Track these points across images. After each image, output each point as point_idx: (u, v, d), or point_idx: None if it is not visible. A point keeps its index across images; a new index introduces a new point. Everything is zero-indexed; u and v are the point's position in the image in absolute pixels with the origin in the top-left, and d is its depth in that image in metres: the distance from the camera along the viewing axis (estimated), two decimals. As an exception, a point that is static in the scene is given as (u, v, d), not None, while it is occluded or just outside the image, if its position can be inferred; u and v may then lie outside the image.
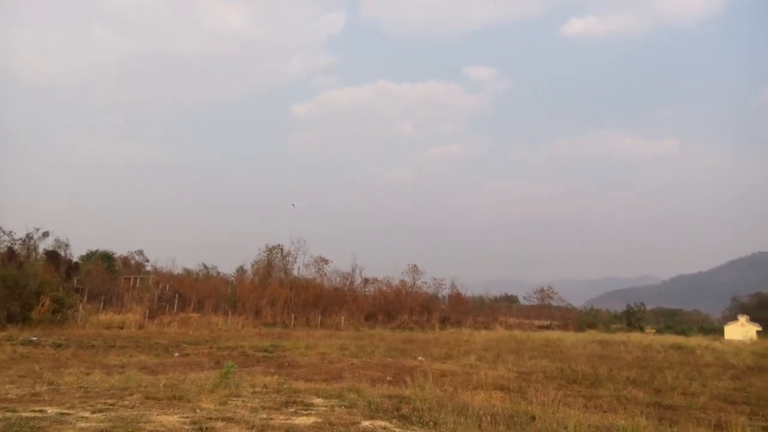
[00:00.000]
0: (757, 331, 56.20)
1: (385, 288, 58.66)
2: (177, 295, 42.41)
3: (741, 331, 55.52)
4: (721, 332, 57.91)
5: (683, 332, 59.44)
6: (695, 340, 39.63)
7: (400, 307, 54.57)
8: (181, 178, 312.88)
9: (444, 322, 54.88)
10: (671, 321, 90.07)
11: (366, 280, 58.87)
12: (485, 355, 22.85)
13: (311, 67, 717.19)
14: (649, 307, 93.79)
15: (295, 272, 55.99)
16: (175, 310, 40.70)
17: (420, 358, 21.28)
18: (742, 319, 59.55)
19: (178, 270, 55.26)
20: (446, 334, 40.63)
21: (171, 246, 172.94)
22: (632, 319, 75.35)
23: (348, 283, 57.78)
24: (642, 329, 67.08)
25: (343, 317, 48.04)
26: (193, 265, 62.24)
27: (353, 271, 58.24)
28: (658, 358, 25.54)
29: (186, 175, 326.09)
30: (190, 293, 43.77)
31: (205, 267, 61.86)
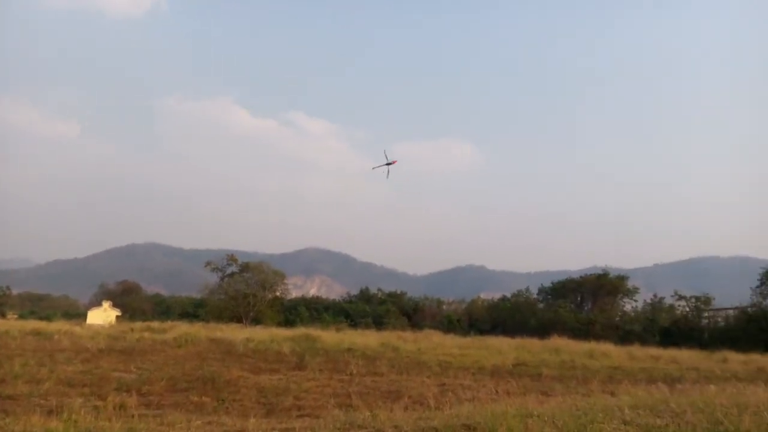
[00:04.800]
0: (117, 316, 61.31)
1: None
2: None
3: (103, 315, 59.26)
4: (86, 317, 60.17)
5: (47, 318, 58.43)
6: (57, 326, 39.65)
7: None
8: None
9: None
10: (37, 306, 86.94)
11: None
12: None
13: None
14: (16, 291, 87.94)
15: None
16: None
17: None
18: (106, 304, 63.73)
19: None
20: None
21: None
22: (-8, 303, 68.74)
23: None
24: (4, 315, 62.25)
25: None
26: None
27: None
28: (13, 345, 24.24)
29: None
30: None
31: None
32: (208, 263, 71.09)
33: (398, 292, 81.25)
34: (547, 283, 73.42)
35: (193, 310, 72.67)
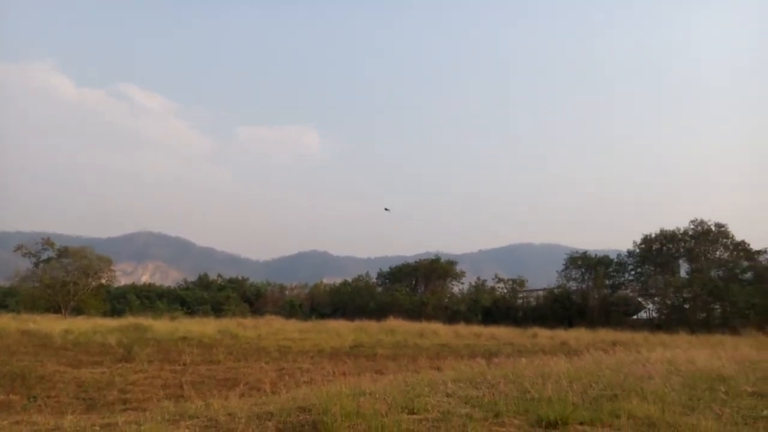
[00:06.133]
0: None
1: None
2: None
3: None
4: None
5: None
6: None
7: None
8: None
9: None
10: None
11: None
12: None
13: None
14: None
15: None
16: None
17: None
18: None
19: None
20: None
21: None
22: None
23: None
24: None
25: None
26: None
27: None
28: None
29: None
30: None
31: None
32: (18, 247, 62.92)
33: (240, 277, 79.16)
34: (386, 268, 76.53)
35: (0, 300, 64.06)
